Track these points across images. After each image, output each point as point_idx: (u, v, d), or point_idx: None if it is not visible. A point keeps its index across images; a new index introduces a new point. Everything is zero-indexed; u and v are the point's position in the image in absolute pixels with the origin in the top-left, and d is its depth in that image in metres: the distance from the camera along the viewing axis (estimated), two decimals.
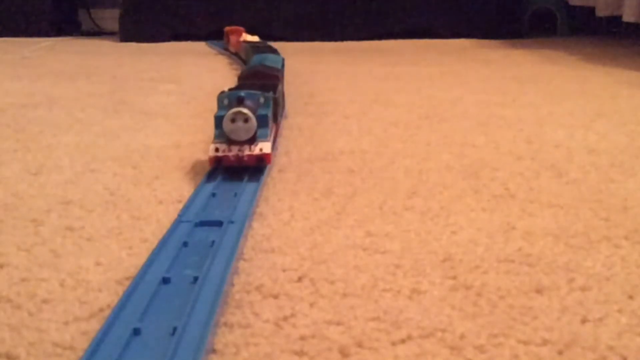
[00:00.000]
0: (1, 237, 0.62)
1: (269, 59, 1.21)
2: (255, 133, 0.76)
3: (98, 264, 0.56)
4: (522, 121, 1.09)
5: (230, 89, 0.83)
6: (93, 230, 0.64)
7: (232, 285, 0.52)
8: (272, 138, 0.81)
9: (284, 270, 0.55)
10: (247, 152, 0.75)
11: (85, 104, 1.27)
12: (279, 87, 0.95)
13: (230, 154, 0.75)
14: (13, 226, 0.64)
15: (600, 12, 2.12)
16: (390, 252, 0.58)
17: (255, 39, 1.84)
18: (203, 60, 2.01)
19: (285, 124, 1.08)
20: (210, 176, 0.75)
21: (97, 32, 2.98)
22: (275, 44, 1.71)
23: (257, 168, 0.76)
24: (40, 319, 0.47)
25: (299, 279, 0.53)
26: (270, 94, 0.83)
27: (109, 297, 0.50)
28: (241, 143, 0.76)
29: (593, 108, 1.19)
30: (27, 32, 2.78)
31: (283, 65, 1.24)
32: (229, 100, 0.78)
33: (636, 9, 1.90)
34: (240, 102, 0.77)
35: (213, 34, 2.46)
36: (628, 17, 1.93)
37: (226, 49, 2.11)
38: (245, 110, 0.75)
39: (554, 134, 0.99)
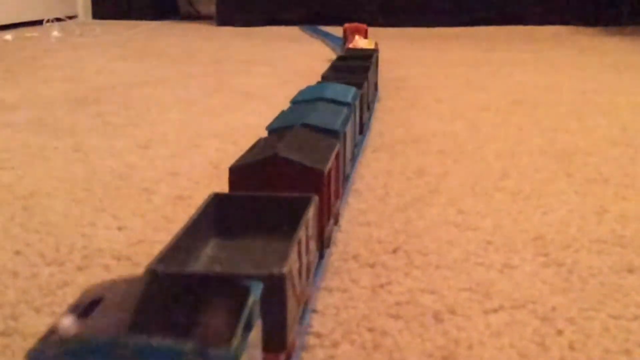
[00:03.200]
0: (118, 203, 0.67)
1: (318, 113, 0.64)
2: None
3: None
4: (617, 108, 1.07)
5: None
6: (200, 200, 0.68)
7: (330, 254, 0.56)
8: None
9: (379, 242, 0.58)
10: None
11: (187, 84, 1.33)
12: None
13: None
14: (128, 194, 0.70)
15: None
16: (482, 229, 0.60)
17: (367, 43, 1.42)
18: (297, 44, 2.06)
19: (378, 106, 1.11)
20: None
21: (195, 17, 3.07)
22: (370, 29, 1.73)
23: None
24: None
25: (394, 251, 0.56)
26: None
27: None
28: None
29: None
30: (130, 15, 2.90)
31: (348, 119, 0.67)
32: None
33: None
34: None
35: (306, 19, 2.50)
36: None
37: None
38: None
39: None
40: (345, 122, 0.65)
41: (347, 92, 0.75)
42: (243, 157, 0.52)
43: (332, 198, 0.55)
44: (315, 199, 0.47)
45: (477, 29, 2.47)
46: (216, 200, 0.46)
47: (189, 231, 0.41)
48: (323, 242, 0.53)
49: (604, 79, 1.37)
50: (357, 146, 0.81)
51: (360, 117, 0.84)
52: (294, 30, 2.47)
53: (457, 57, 1.72)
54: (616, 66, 1.53)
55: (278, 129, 0.60)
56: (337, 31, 2.22)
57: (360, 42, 1.44)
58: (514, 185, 0.72)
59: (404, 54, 1.78)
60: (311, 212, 0.44)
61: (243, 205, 0.47)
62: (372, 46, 1.39)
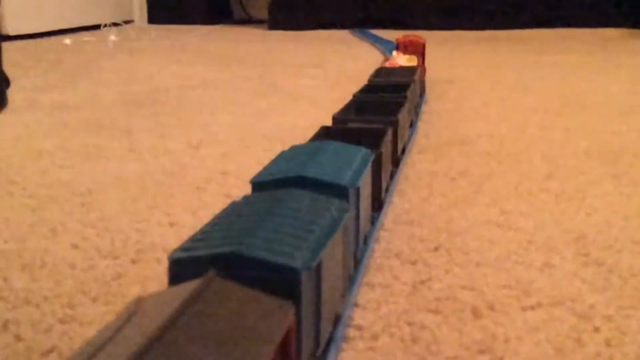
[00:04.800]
0: (171, 201, 0.70)
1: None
2: None
3: None
4: None
5: None
6: None
7: (373, 251, 0.57)
8: None
9: (421, 241, 0.59)
10: None
11: (237, 87, 1.36)
12: None
13: None
14: (180, 192, 0.72)
15: None
16: (524, 229, 0.61)
17: (408, 60, 1.20)
18: (346, 47, 2.07)
19: (425, 108, 1.11)
20: None
21: (248, 20, 3.12)
22: (418, 32, 1.73)
23: None
24: None
25: (435, 249, 0.57)
26: None
27: None
28: None
29: None
30: (184, 19, 2.96)
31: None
32: None
33: None
34: None
35: (356, 22, 2.52)
36: None
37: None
38: None
39: None
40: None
41: (345, 167, 0.49)
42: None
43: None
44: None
45: (527, 32, 2.45)
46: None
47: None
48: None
49: None
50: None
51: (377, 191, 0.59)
52: (343, 34, 2.49)
53: (506, 59, 1.72)
54: None
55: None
56: (386, 34, 2.23)
57: (399, 60, 1.21)
58: (558, 186, 0.72)
59: (452, 56, 1.78)
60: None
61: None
62: (413, 62, 1.17)
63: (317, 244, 0.35)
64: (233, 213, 0.38)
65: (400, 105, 0.78)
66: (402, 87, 0.88)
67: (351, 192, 0.45)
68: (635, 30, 2.38)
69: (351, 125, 0.70)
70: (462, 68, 1.58)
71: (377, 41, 2.11)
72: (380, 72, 1.04)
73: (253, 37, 2.45)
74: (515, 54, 1.83)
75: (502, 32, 2.46)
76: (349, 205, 0.42)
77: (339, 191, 0.44)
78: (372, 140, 0.63)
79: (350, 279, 0.47)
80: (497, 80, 1.39)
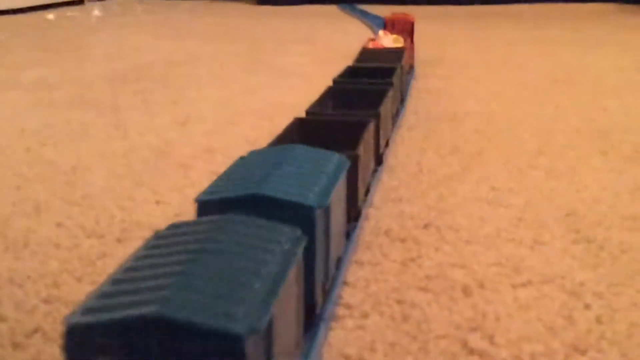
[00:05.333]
0: (157, 179, 0.69)
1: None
2: None
3: None
4: None
5: None
6: None
7: (362, 229, 0.56)
8: None
9: (411, 218, 0.58)
10: None
11: (225, 62, 1.35)
12: None
13: None
14: (166, 170, 0.71)
15: None
16: (514, 206, 0.60)
17: (394, 40, 1.10)
18: (335, 23, 2.06)
19: (414, 85, 1.11)
20: None
21: None
22: (406, 8, 1.72)
23: None
24: None
25: (425, 226, 0.57)
26: None
27: None
28: None
29: None
30: None
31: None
32: None
33: None
34: None
35: None
36: None
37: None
38: None
39: None
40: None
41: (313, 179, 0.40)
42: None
43: None
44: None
45: (517, 7, 2.44)
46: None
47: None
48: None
49: None
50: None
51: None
52: (332, 9, 2.47)
53: (497, 35, 1.71)
54: None
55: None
56: (375, 9, 2.22)
57: (384, 40, 1.10)
58: (548, 163, 0.71)
59: (442, 32, 1.77)
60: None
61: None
62: (399, 43, 1.08)
63: (263, 299, 0.26)
64: (143, 263, 0.28)
65: (383, 94, 0.70)
66: (387, 73, 0.81)
67: (318, 213, 0.36)
68: (626, 5, 2.37)
69: (328, 117, 0.64)
70: (452, 44, 1.57)
71: (365, 17, 2.09)
72: (363, 54, 0.95)
73: (241, 12, 2.43)
74: (505, 29, 1.82)
75: (492, 7, 2.45)
76: (304, 236, 0.33)
77: (303, 212, 0.36)
78: (351, 134, 0.57)
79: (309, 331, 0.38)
80: (486, 56, 1.38)
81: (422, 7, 2.40)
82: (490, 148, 0.77)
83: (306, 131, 0.58)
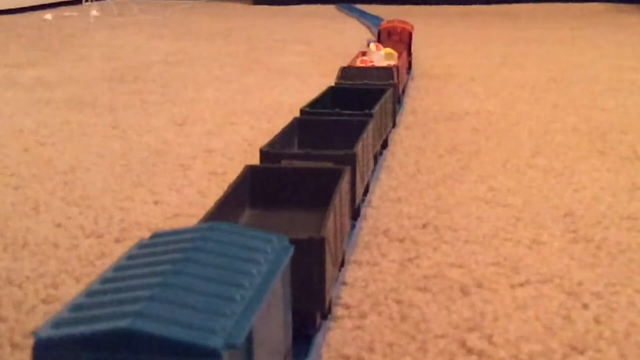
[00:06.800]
0: (155, 179, 0.69)
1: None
2: None
3: None
4: None
5: None
6: (234, 176, 0.69)
7: (360, 229, 0.56)
8: None
9: (409, 218, 0.58)
10: None
11: (222, 63, 1.35)
12: None
13: None
14: (164, 170, 0.71)
15: None
16: (512, 206, 0.60)
17: (387, 57, 0.96)
18: (332, 22, 2.06)
19: (411, 85, 1.11)
20: None
21: None
22: (403, 7, 1.72)
23: None
24: None
25: (424, 226, 0.57)
26: None
27: None
28: None
29: None
30: None
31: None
32: None
33: None
34: None
35: None
36: None
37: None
38: None
39: None
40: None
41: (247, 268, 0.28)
42: None
43: None
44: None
45: (514, 6, 2.44)
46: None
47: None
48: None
49: None
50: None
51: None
52: (330, 9, 2.47)
53: (494, 34, 1.71)
54: None
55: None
56: (372, 9, 2.22)
57: (375, 56, 0.95)
58: (546, 162, 0.72)
59: (439, 32, 1.77)
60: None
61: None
62: (392, 60, 0.94)
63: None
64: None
65: (361, 128, 0.59)
66: (370, 99, 0.71)
67: (226, 356, 0.22)
68: (622, 5, 2.38)
69: (289, 165, 0.51)
70: (449, 43, 1.57)
71: (363, 16, 2.09)
72: (347, 73, 0.83)
73: (238, 12, 2.43)
74: (503, 29, 1.82)
75: (489, 7, 2.45)
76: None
77: (203, 356, 0.22)
78: (322, 181, 0.48)
79: None
80: (483, 55, 1.39)
81: (419, 7, 2.41)
82: (488, 148, 0.77)
83: (261, 176, 0.50)
